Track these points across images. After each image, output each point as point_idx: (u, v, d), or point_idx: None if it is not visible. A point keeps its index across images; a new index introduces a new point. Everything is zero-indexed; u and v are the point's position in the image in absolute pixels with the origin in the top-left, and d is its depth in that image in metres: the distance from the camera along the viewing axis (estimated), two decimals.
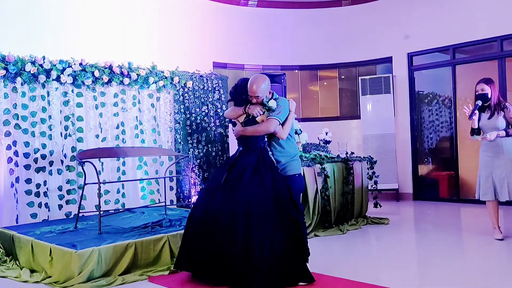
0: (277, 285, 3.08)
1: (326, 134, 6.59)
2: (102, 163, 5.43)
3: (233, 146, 7.30)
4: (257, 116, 3.43)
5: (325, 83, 8.92)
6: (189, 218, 3.48)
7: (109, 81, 5.48)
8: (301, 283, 3.19)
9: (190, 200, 5.71)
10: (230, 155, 3.72)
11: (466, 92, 7.33)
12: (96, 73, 5.28)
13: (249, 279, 3.07)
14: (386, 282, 3.34)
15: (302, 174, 3.68)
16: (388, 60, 8.04)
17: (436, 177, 7.71)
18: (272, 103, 3.43)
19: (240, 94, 3.51)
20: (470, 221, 6.05)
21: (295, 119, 3.80)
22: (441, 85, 7.66)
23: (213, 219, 3.26)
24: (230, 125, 7.03)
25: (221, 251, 3.18)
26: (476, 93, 4.59)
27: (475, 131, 4.60)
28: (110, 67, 5.44)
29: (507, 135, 4.40)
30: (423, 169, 7.85)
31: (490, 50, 6.97)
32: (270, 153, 3.47)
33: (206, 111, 6.57)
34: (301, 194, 3.76)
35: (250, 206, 3.19)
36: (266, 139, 3.50)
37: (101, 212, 4.18)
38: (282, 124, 3.45)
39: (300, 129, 5.59)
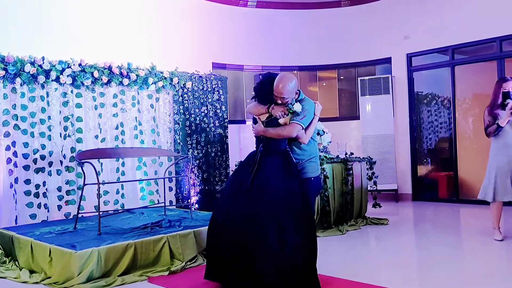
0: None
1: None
2: (102, 164, 5.43)
3: (232, 147, 7.32)
4: (280, 118, 3.26)
5: (324, 84, 8.92)
6: (211, 224, 3.31)
7: (109, 82, 5.48)
8: None
9: (189, 200, 5.71)
10: (248, 155, 3.50)
11: (465, 93, 7.34)
12: (96, 74, 5.28)
13: (269, 283, 3.00)
14: (386, 282, 3.34)
15: (319, 177, 3.54)
16: (387, 60, 8.05)
17: (435, 177, 7.71)
18: (297, 107, 3.24)
19: (266, 92, 3.29)
20: (469, 221, 6.06)
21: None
22: (440, 86, 7.66)
23: (240, 223, 3.12)
24: (230, 126, 7.07)
25: (247, 256, 3.06)
26: (504, 90, 4.47)
27: (500, 129, 4.47)
28: (110, 68, 5.44)
29: None
30: (422, 170, 7.85)
31: (489, 50, 6.97)
32: (291, 155, 3.34)
33: (206, 111, 6.58)
34: (316, 197, 3.62)
35: (279, 209, 3.09)
36: (287, 141, 3.35)
37: (101, 213, 4.18)
38: (306, 129, 3.32)
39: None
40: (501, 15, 6.65)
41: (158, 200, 5.85)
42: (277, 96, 3.22)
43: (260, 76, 3.49)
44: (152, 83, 5.88)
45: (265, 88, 3.28)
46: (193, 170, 6.34)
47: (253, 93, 3.44)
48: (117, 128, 5.64)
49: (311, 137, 3.42)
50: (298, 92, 3.35)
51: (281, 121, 3.26)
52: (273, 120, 3.29)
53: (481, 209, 6.27)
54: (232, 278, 3.12)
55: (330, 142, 5.45)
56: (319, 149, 5.20)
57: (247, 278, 3.05)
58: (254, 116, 3.41)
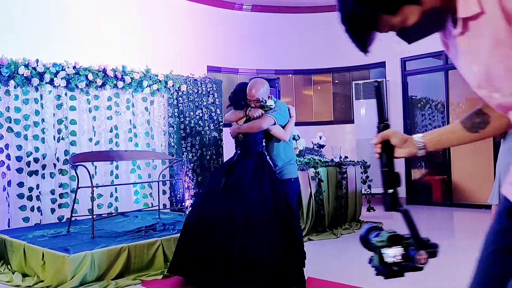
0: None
1: (320, 138, 6.61)
2: (95, 167, 5.40)
3: (227, 150, 7.31)
4: (258, 117, 3.43)
5: (319, 88, 8.95)
6: (185, 223, 3.46)
7: (103, 85, 5.46)
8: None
9: (183, 204, 5.70)
10: (226, 159, 3.69)
11: (459, 97, 7.39)
12: (90, 76, 5.26)
13: (244, 283, 3.06)
14: (379, 286, 3.35)
15: (298, 178, 3.67)
16: (382, 65, 8.09)
17: (429, 181, 7.74)
18: (270, 102, 3.47)
19: (240, 99, 3.53)
20: (463, 225, 6.09)
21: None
22: (434, 90, 7.70)
23: (211, 224, 3.24)
24: (225, 129, 7.06)
25: (219, 255, 3.15)
26: None
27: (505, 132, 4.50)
28: (104, 71, 5.42)
29: None
30: (416, 174, 7.88)
31: None
32: (267, 157, 3.48)
33: (200, 114, 6.57)
34: (296, 198, 3.75)
35: (250, 209, 3.19)
36: (264, 143, 3.50)
37: (94, 216, 4.16)
38: (284, 127, 3.50)
39: (298, 135, 5.59)
40: None
41: (152, 203, 5.83)
42: (251, 99, 3.44)
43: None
44: (147, 86, 5.87)
45: (239, 95, 3.52)
46: (187, 173, 6.33)
47: (229, 102, 3.66)
48: (111, 131, 5.62)
49: (290, 142, 3.57)
50: (270, 96, 3.55)
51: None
52: (251, 121, 3.46)
53: (475, 212, 6.31)
54: (202, 277, 3.21)
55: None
56: (296, 153, 5.34)
57: (218, 278, 3.13)
58: (233, 122, 3.61)
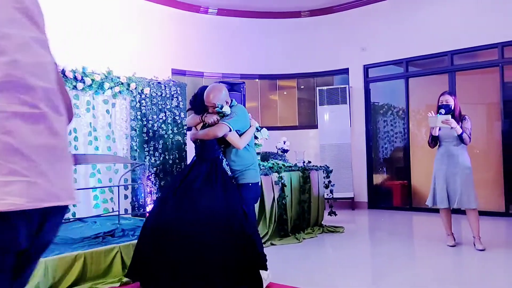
0: None
1: (284, 143, 6.63)
2: None
3: (191, 154, 7.23)
4: (213, 124, 3.40)
5: (285, 93, 9.01)
6: (143, 228, 3.42)
7: None
8: None
9: (145, 209, 5.59)
10: (187, 164, 3.68)
11: (419, 104, 7.60)
12: None
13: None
14: None
15: (258, 184, 3.61)
16: (345, 71, 8.23)
17: (390, 186, 7.92)
18: (226, 109, 3.41)
19: (200, 103, 3.50)
20: (422, 228, 6.24)
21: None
22: (395, 97, 7.89)
23: (164, 229, 3.23)
24: (188, 133, 6.99)
25: (170, 259, 3.14)
26: (440, 103, 4.69)
27: (435, 139, 4.74)
28: (63, 72, 5.26)
29: (461, 133, 4.51)
30: (378, 178, 8.04)
31: (441, 64, 7.26)
32: (225, 163, 3.47)
33: (164, 118, 6.48)
34: (255, 203, 3.73)
35: (199, 215, 3.19)
36: (221, 150, 3.49)
37: None
38: (241, 135, 3.45)
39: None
40: (452, 30, 6.94)
41: (113, 208, 5.69)
42: (208, 105, 3.42)
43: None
44: (108, 88, 5.74)
45: (199, 99, 3.49)
46: (149, 177, 6.22)
47: (189, 106, 3.64)
48: (70, 133, 5.46)
49: (249, 145, 3.52)
50: (228, 102, 3.50)
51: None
52: (207, 127, 3.44)
53: (433, 216, 6.48)
54: (154, 281, 3.17)
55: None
56: (259, 153, 5.30)
57: (170, 283, 3.10)
58: (192, 127, 3.59)
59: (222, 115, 3.41)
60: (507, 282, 3.64)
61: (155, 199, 6.24)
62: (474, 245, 4.58)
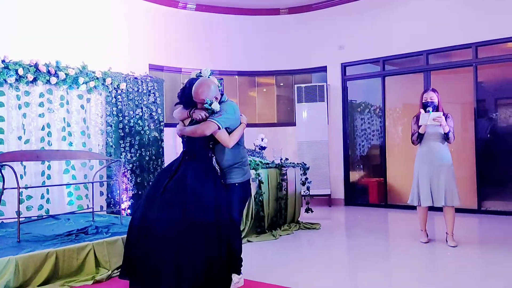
0: None
1: (262, 140, 6.64)
2: (25, 167, 5.12)
3: (168, 150, 7.18)
4: (202, 120, 3.25)
5: (264, 90, 9.01)
6: (129, 226, 3.32)
7: (35, 80, 5.19)
8: None
9: (120, 206, 5.51)
10: (167, 160, 3.55)
11: (395, 103, 7.69)
12: (20, 71, 4.98)
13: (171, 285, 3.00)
14: (315, 286, 3.40)
15: (246, 183, 3.45)
16: (323, 69, 8.27)
17: (366, 183, 8.01)
18: (215, 106, 3.25)
19: (188, 97, 3.33)
20: (397, 225, 6.33)
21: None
22: (372, 95, 7.97)
23: (150, 227, 3.12)
24: (166, 129, 6.93)
25: (155, 259, 3.06)
26: (424, 101, 4.70)
27: (421, 136, 4.73)
28: (36, 65, 5.15)
29: (449, 132, 4.56)
30: (355, 176, 8.12)
31: (417, 63, 7.37)
32: (214, 160, 3.34)
33: (140, 114, 6.41)
34: (246, 202, 3.60)
35: (189, 215, 3.09)
36: (210, 146, 3.34)
37: (21, 219, 3.93)
38: (231, 132, 3.30)
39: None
40: (428, 30, 7.05)
41: (87, 205, 5.60)
42: (197, 101, 3.27)
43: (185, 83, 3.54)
44: (83, 83, 5.64)
45: (188, 93, 3.32)
46: (125, 174, 6.14)
47: (178, 99, 3.47)
48: (43, 129, 5.35)
49: (238, 143, 3.40)
50: (217, 98, 3.34)
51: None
52: (195, 123, 3.30)
53: (407, 213, 6.58)
54: (143, 281, 3.11)
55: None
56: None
57: (150, 282, 3.05)
58: (179, 120, 3.44)
59: (211, 112, 3.25)
60: (478, 278, 3.73)
61: (133, 196, 6.17)
62: (447, 241, 4.66)
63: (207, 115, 3.24)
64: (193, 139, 3.30)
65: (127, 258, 3.25)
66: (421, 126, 4.67)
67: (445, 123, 4.55)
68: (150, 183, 3.65)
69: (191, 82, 3.37)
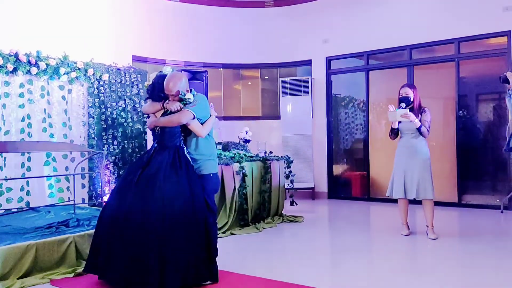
0: (184, 285, 3.04)
1: (246, 133, 6.63)
2: (5, 159, 5.02)
3: (152, 143, 7.10)
4: (176, 111, 3.34)
5: (249, 83, 8.98)
6: (99, 218, 3.32)
7: (14, 70, 5.08)
8: (204, 283, 3.19)
9: (102, 198, 5.46)
10: (144, 152, 3.56)
11: (379, 97, 7.75)
12: (0, 61, 4.86)
13: (159, 279, 2.98)
14: (299, 279, 3.42)
15: (217, 174, 3.63)
16: (308, 63, 8.28)
17: (349, 176, 8.07)
18: (189, 96, 3.39)
19: (158, 91, 3.42)
20: (379, 218, 6.40)
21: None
22: (356, 89, 8.01)
23: (125, 219, 3.12)
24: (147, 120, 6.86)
25: (133, 251, 3.05)
26: (400, 96, 4.79)
27: (394, 131, 4.84)
28: (16, 55, 5.04)
29: (420, 127, 4.64)
30: (338, 169, 8.18)
31: (400, 58, 7.42)
32: (186, 151, 3.41)
33: (123, 105, 6.33)
34: (216, 193, 3.72)
35: (165, 204, 3.11)
36: (182, 138, 3.43)
37: (1, 211, 3.86)
38: (203, 123, 3.42)
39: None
40: (411, 25, 7.11)
41: (69, 198, 5.52)
42: (168, 94, 3.36)
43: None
44: (64, 74, 5.54)
45: (158, 88, 3.42)
46: (108, 166, 6.07)
47: (147, 94, 3.56)
48: (23, 120, 5.24)
49: (209, 135, 3.51)
50: (189, 90, 3.46)
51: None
52: (168, 114, 3.38)
53: (390, 206, 6.66)
54: (114, 273, 3.09)
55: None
56: (221, 142, 5.24)
57: (132, 274, 3.03)
58: (150, 114, 3.50)
59: (185, 103, 3.36)
60: (458, 270, 3.80)
61: (114, 188, 6.10)
62: (427, 234, 4.74)
63: (182, 106, 3.35)
64: (164, 130, 3.36)
65: (96, 251, 3.22)
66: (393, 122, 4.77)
67: (414, 119, 4.62)
68: (123, 174, 3.62)
69: (160, 77, 3.49)
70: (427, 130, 4.70)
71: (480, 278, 3.44)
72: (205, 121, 3.46)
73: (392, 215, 5.93)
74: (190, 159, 3.40)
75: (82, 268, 3.50)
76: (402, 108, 4.66)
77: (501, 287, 3.26)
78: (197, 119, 3.39)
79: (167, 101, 3.39)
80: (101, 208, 4.78)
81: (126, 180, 3.34)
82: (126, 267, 3.05)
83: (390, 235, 4.93)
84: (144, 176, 3.24)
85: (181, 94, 3.34)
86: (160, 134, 3.38)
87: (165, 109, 3.38)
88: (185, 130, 3.42)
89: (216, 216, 3.44)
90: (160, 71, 3.78)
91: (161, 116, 3.40)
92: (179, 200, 3.14)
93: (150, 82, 3.64)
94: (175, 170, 3.24)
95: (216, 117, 4.72)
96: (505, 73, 4.63)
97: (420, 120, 4.67)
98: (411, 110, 4.70)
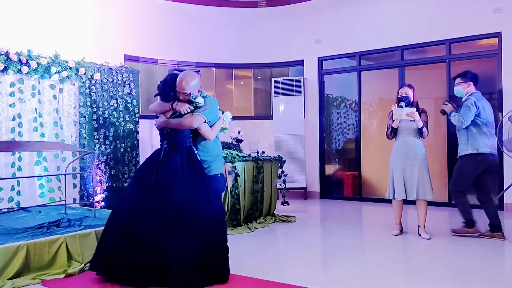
0: (199, 285, 3.06)
1: (239, 133, 6.63)
2: None
3: (143, 142, 7.10)
4: (185, 113, 3.32)
5: (242, 83, 8.98)
6: (110, 219, 3.30)
7: (5, 69, 5.04)
8: (223, 282, 3.21)
9: (94, 198, 5.43)
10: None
11: (370, 97, 7.79)
12: None
13: (179, 281, 3.00)
14: (291, 279, 3.42)
15: (224, 174, 3.66)
16: (300, 63, 8.30)
17: (341, 176, 8.10)
18: (200, 100, 3.36)
19: (169, 89, 3.37)
20: (371, 218, 6.43)
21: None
22: (348, 90, 8.04)
23: (140, 221, 3.12)
24: (141, 121, 6.83)
25: (150, 254, 3.05)
26: (399, 96, 4.80)
27: (395, 131, 4.82)
28: (7, 54, 5.00)
29: (422, 127, 4.65)
30: (330, 169, 8.20)
31: (392, 58, 7.46)
32: (195, 151, 3.40)
33: (115, 105, 6.30)
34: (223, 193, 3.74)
35: (184, 206, 3.12)
36: (191, 138, 3.41)
37: None
38: (211, 126, 3.41)
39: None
40: (403, 26, 7.15)
41: (60, 198, 5.49)
42: (180, 92, 3.32)
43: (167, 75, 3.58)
44: (56, 73, 5.50)
45: (169, 86, 3.36)
46: (99, 166, 6.04)
47: (157, 91, 3.48)
48: (13, 119, 5.20)
49: (217, 136, 3.51)
50: (200, 90, 3.44)
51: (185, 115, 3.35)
52: (177, 116, 3.35)
53: (381, 206, 6.70)
54: (124, 272, 3.09)
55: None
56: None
57: (154, 276, 3.03)
58: (158, 114, 3.46)
59: (195, 106, 3.33)
60: (449, 270, 3.82)
61: (107, 189, 6.07)
62: (419, 234, 4.76)
63: (191, 108, 3.32)
64: (174, 131, 3.33)
65: (105, 251, 3.21)
66: (394, 120, 4.75)
67: (418, 118, 4.63)
68: (131, 178, 3.62)
69: (173, 75, 3.43)
70: (427, 131, 4.74)
71: (472, 278, 3.47)
72: (213, 124, 3.45)
73: (384, 215, 5.96)
74: (200, 159, 3.40)
75: (73, 269, 3.48)
76: (403, 107, 4.66)
77: (492, 286, 3.29)
78: (207, 121, 3.38)
79: (176, 102, 3.35)
80: (92, 209, 4.78)
81: (140, 183, 3.30)
82: (146, 271, 3.04)
83: (382, 234, 4.95)
84: (159, 178, 3.22)
85: (192, 96, 3.31)
86: (169, 135, 3.35)
87: (174, 110, 3.35)
88: (194, 131, 3.40)
89: (225, 215, 3.46)
90: (174, 69, 3.74)
91: (170, 117, 3.37)
92: (197, 201, 3.16)
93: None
94: (191, 171, 3.24)
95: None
96: (444, 104, 4.82)
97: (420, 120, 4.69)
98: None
